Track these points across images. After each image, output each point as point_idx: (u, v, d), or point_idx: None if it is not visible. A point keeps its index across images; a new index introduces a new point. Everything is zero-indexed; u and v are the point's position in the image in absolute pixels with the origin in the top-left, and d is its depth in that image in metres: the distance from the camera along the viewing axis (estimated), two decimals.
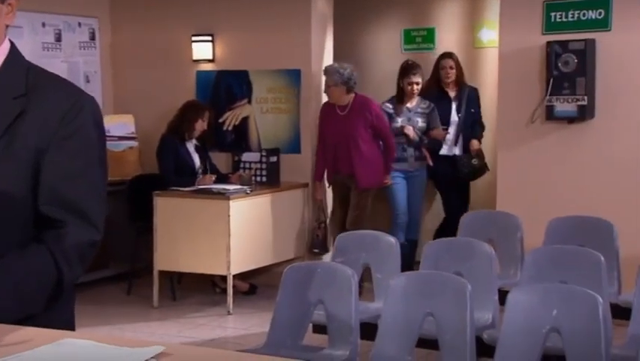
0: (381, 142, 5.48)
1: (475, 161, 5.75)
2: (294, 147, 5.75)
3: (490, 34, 6.24)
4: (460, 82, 5.82)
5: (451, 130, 5.75)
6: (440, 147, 5.75)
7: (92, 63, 6.26)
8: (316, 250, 5.63)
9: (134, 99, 6.32)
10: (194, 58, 6.05)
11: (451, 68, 5.78)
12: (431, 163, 5.68)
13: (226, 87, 6.02)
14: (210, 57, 6.03)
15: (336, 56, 6.00)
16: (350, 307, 3.01)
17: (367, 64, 6.73)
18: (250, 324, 4.89)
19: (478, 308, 3.15)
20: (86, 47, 6.21)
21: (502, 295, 3.23)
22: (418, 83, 5.57)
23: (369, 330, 3.14)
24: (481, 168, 5.81)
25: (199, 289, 5.60)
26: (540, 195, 4.98)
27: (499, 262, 3.88)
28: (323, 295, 3.10)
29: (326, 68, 5.48)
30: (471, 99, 5.83)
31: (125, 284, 5.67)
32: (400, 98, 5.62)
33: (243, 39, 5.95)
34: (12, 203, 1.57)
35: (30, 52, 5.63)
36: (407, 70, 5.61)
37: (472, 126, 5.83)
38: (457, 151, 5.79)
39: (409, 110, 5.62)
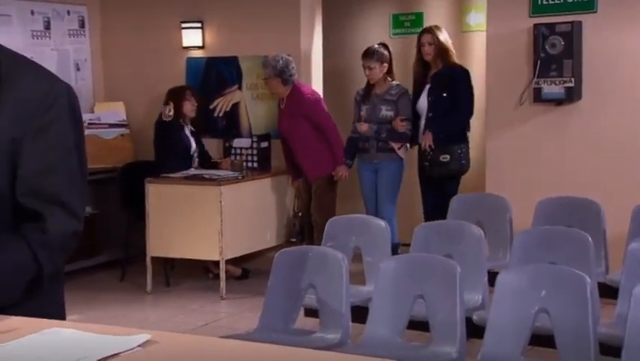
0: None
1: (445, 157, 5.02)
2: None
3: (477, 18, 6.25)
4: (444, 61, 5.09)
5: (422, 117, 5.14)
6: (416, 137, 5.21)
7: (81, 51, 6.25)
8: (294, 240, 5.55)
9: (125, 87, 6.32)
10: (184, 45, 6.05)
11: (430, 43, 5.12)
12: (401, 155, 5.19)
13: (216, 74, 6.02)
14: (200, 44, 6.03)
15: (325, 41, 6.02)
16: (341, 290, 3.05)
17: (356, 49, 6.72)
18: (243, 309, 4.93)
19: (468, 290, 3.20)
20: (75, 34, 6.20)
21: (492, 276, 3.27)
22: (371, 68, 5.15)
23: (360, 313, 3.18)
24: (455, 167, 5.06)
25: (192, 275, 5.63)
26: (528, 177, 5.02)
27: (488, 244, 3.92)
28: (314, 279, 3.13)
29: (263, 59, 5.37)
30: (446, 81, 5.04)
31: (118, 271, 5.70)
32: (369, 84, 5.28)
33: (232, 25, 5.94)
34: None
35: (19, 40, 5.63)
36: (363, 54, 5.25)
37: (445, 115, 5.03)
38: (431, 143, 5.06)
39: (377, 96, 5.23)
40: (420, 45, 5.17)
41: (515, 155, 5.09)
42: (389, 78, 5.23)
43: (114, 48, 6.37)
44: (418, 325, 3.04)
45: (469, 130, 5.19)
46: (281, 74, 5.24)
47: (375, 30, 6.67)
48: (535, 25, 4.86)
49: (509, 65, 5.04)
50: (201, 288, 5.42)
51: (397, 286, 3.00)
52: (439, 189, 5.05)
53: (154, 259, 5.32)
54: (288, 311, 3.15)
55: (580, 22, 4.82)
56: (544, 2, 4.92)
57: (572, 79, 4.80)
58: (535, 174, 5.02)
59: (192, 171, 5.43)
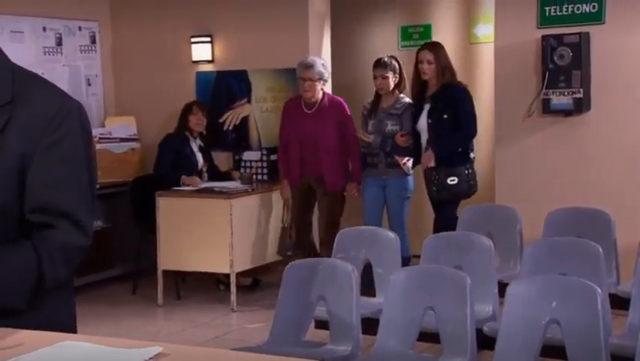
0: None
1: (452, 180, 4.77)
2: None
3: (485, 30, 6.27)
4: (444, 80, 4.82)
5: (423, 137, 4.90)
6: (418, 157, 4.97)
7: (93, 67, 6.31)
8: (289, 253, 5.25)
9: (136, 101, 6.37)
10: (194, 59, 6.10)
11: (429, 62, 4.82)
12: (409, 172, 5.03)
13: (226, 87, 6.06)
14: (209, 58, 6.08)
15: (334, 54, 6.04)
16: (351, 302, 3.05)
17: (365, 61, 6.75)
18: (254, 321, 4.93)
19: (479, 301, 3.19)
20: (86, 50, 6.26)
21: (502, 287, 3.26)
22: (384, 77, 4.98)
23: (370, 325, 3.18)
24: (463, 189, 4.81)
25: (203, 288, 5.64)
26: (538, 188, 5.02)
27: (498, 255, 3.92)
28: (324, 291, 3.14)
29: (307, 61, 5.09)
30: (446, 102, 4.77)
31: (129, 284, 5.72)
32: (377, 98, 5.12)
33: (241, 39, 5.99)
34: (2, 210, 1.58)
35: (31, 56, 5.69)
36: (376, 64, 5.09)
37: (447, 135, 4.77)
38: (432, 163, 4.83)
39: (383, 110, 5.06)
40: (417, 62, 4.89)
41: (525, 166, 5.09)
42: (397, 91, 5.11)
43: (125, 63, 6.43)
44: (429, 336, 3.04)
45: (472, 151, 4.92)
46: (323, 77, 5.11)
47: (383, 42, 6.70)
48: (544, 37, 4.88)
49: (518, 77, 5.05)
50: (212, 301, 5.43)
51: (407, 298, 3.00)
52: (443, 210, 4.86)
53: (165, 272, 5.34)
54: (298, 323, 3.15)
55: (588, 34, 4.83)
56: (552, 14, 4.93)
57: (581, 90, 4.81)
58: (544, 184, 5.02)
59: (202, 185, 5.45)
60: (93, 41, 6.32)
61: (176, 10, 6.18)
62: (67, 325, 1.70)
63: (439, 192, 4.83)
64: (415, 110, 4.96)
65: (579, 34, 4.80)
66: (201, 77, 6.13)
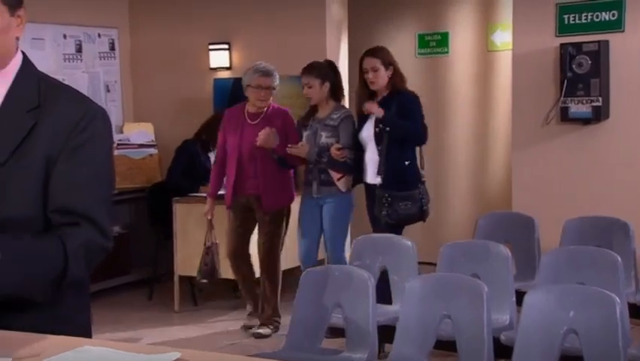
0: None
1: (405, 204, 4.30)
2: None
3: (503, 37, 6.25)
4: (392, 87, 4.41)
5: (369, 150, 4.43)
6: (360, 173, 4.49)
7: (112, 73, 6.37)
8: (204, 280, 4.91)
9: (153, 107, 6.41)
10: (212, 66, 6.14)
11: (374, 69, 4.38)
12: (341, 188, 4.50)
13: (243, 94, 6.07)
14: (227, 65, 6.11)
15: (351, 61, 6.05)
16: (367, 310, 3.04)
17: None
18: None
19: (496, 310, 3.17)
20: (105, 57, 6.32)
21: (519, 296, 3.25)
22: (310, 86, 4.51)
23: (387, 333, 3.17)
24: (416, 212, 4.36)
25: (219, 294, 5.66)
26: (556, 196, 4.99)
27: (515, 264, 3.90)
28: (340, 298, 3.13)
29: (267, 67, 4.66)
30: (395, 109, 4.33)
31: (146, 290, 5.74)
32: (312, 107, 4.63)
33: (258, 46, 6.01)
34: (29, 213, 1.61)
35: (52, 63, 5.76)
36: (302, 70, 4.60)
37: (395, 147, 4.31)
38: (378, 180, 4.36)
39: (318, 121, 4.56)
40: (362, 72, 4.44)
41: (542, 174, 5.07)
42: (333, 100, 4.58)
43: (143, 70, 6.48)
44: (445, 345, 3.02)
45: (422, 169, 4.47)
46: (277, 86, 4.67)
47: (400, 50, 6.68)
48: (562, 45, 4.86)
49: (535, 84, 5.03)
50: (228, 307, 5.44)
51: (424, 306, 2.99)
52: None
53: (181, 278, 5.36)
54: (314, 330, 3.15)
55: (607, 42, 4.81)
56: (571, 22, 4.92)
57: (600, 98, 4.78)
58: (562, 193, 4.99)
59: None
60: (112, 48, 6.38)
61: (194, 17, 6.23)
62: (84, 327, 1.72)
63: (390, 215, 4.32)
64: (360, 120, 4.49)
65: (598, 42, 4.78)
66: (219, 83, 6.16)
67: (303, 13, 5.82)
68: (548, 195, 5.02)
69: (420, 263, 3.80)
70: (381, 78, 4.39)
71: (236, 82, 6.16)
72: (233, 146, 4.63)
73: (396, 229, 4.30)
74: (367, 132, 4.42)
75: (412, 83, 6.90)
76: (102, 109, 1.71)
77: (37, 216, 1.62)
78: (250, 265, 4.85)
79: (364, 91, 4.46)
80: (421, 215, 4.42)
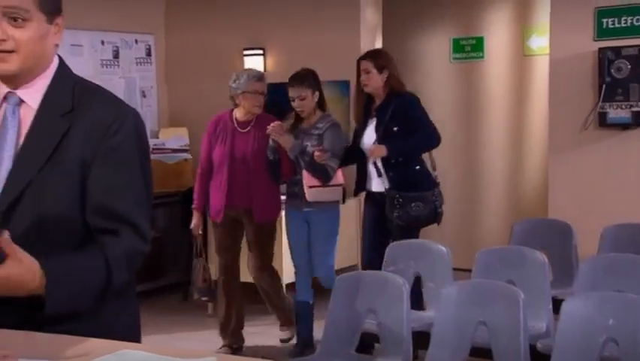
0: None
1: (417, 205, 4.16)
2: None
3: (540, 42, 6.19)
4: (389, 90, 4.26)
5: (370, 158, 4.27)
6: (362, 183, 4.32)
7: (147, 78, 6.45)
8: (205, 298, 4.76)
9: (188, 112, 6.47)
10: None
11: (367, 72, 4.26)
12: (308, 198, 4.27)
13: (277, 99, 6.09)
14: (262, 70, 6.14)
15: None
16: (402, 316, 3.03)
17: (416, 74, 6.74)
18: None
19: (532, 317, 3.14)
20: (142, 62, 6.41)
21: (556, 303, 3.20)
22: (302, 98, 4.28)
23: (421, 339, 3.15)
24: (430, 215, 4.20)
25: (254, 298, 5.67)
26: (593, 203, 4.91)
27: (552, 271, 3.85)
28: (374, 303, 3.12)
29: (259, 72, 4.59)
30: (395, 113, 4.19)
31: (180, 293, 5.78)
32: (297, 118, 4.41)
33: (293, 51, 6.03)
34: (66, 217, 1.63)
35: (90, 69, 5.85)
36: (291, 81, 4.37)
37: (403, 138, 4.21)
38: (385, 185, 4.20)
39: (303, 131, 4.33)
40: (358, 74, 4.34)
41: (579, 180, 5.00)
42: (319, 110, 4.38)
43: (178, 75, 6.54)
44: (481, 352, 2.99)
45: (434, 170, 4.32)
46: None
47: (435, 55, 6.67)
48: (601, 49, 4.79)
49: (573, 89, 4.97)
50: (262, 311, 5.44)
51: (459, 312, 2.97)
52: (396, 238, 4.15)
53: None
54: (348, 336, 3.14)
55: None
56: (610, 26, 4.84)
57: (639, 103, 4.70)
58: (600, 199, 4.91)
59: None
60: (148, 54, 6.46)
61: (229, 23, 6.27)
62: (129, 331, 1.73)
63: (400, 217, 4.17)
64: (360, 127, 4.37)
65: (638, 46, 4.70)
66: None
67: (337, 17, 5.83)
68: (585, 202, 4.95)
69: (454, 269, 3.77)
70: (373, 81, 4.25)
71: (270, 87, 6.20)
72: (222, 156, 4.38)
73: (409, 232, 4.14)
74: (368, 139, 4.28)
75: (446, 88, 6.89)
76: (135, 111, 1.72)
77: (74, 219, 1.64)
78: (239, 285, 4.66)
79: (362, 94, 4.36)
80: (435, 217, 4.25)
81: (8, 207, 1.61)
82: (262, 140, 4.33)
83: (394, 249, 3.89)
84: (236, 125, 4.45)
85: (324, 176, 4.23)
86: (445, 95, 6.60)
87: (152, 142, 6.05)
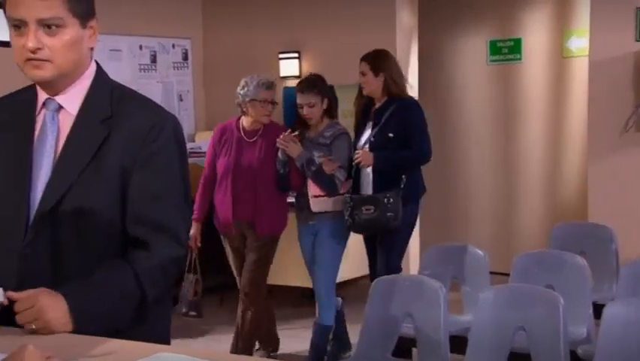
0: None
1: (368, 209, 3.95)
2: None
3: (579, 43, 6.10)
4: (389, 93, 4.10)
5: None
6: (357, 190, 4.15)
7: (184, 82, 6.52)
8: (193, 313, 4.62)
9: (225, 116, 6.44)
10: (282, 74, 6.19)
11: (363, 74, 4.14)
12: (313, 209, 4.16)
13: None
14: (297, 73, 6.16)
15: (421, 68, 6.01)
16: (439, 320, 3.00)
17: (453, 77, 6.70)
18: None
19: (572, 322, 3.08)
20: (179, 67, 6.47)
21: (597, 309, 3.15)
22: (311, 105, 4.11)
23: (458, 343, 3.12)
24: (381, 223, 3.98)
25: (289, 301, 5.68)
26: (634, 206, 4.82)
27: (592, 275, 3.78)
28: (411, 308, 3.10)
29: (269, 79, 4.37)
30: (392, 118, 4.03)
31: (216, 297, 5.81)
32: (303, 125, 4.22)
33: (328, 54, 6.04)
34: (105, 223, 1.64)
35: (128, 73, 5.93)
36: (300, 87, 4.20)
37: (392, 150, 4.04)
38: (369, 190, 4.08)
39: (310, 140, 4.17)
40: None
41: (620, 183, 4.91)
42: (326, 118, 4.21)
43: (215, 79, 6.59)
44: (520, 357, 2.95)
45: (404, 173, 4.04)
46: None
47: (471, 57, 6.61)
48: None
49: (613, 91, 4.88)
50: (297, 314, 5.45)
51: (497, 317, 2.93)
52: (383, 241, 4.11)
53: None
54: (384, 340, 3.12)
55: None
56: None
57: None
58: None
59: (288, 198, 5.49)
60: (185, 58, 6.53)
61: (265, 26, 6.30)
62: (164, 335, 1.75)
63: (354, 224, 4.03)
64: (358, 131, 4.22)
65: None
66: (288, 92, 6.20)
67: (372, 20, 5.82)
68: (626, 205, 4.86)
69: (491, 273, 3.73)
70: (369, 83, 4.12)
71: None
72: (227, 166, 4.19)
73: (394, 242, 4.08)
74: (362, 145, 4.12)
75: (483, 91, 6.83)
76: (173, 117, 1.73)
77: (114, 225, 1.65)
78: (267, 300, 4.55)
79: (361, 96, 4.23)
80: (385, 223, 4.01)
81: (48, 213, 1.63)
82: (269, 150, 4.15)
83: (431, 252, 3.86)
84: (242, 134, 4.27)
85: (330, 187, 4.09)
86: (481, 98, 6.54)
87: (188, 146, 6.09)
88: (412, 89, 4.66)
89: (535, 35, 6.38)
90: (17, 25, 1.62)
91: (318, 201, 4.13)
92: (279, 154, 4.13)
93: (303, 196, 4.19)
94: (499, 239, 6.31)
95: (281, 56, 6.18)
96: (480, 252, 3.78)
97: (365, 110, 4.22)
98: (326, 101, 4.17)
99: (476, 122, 6.57)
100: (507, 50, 6.45)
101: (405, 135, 4.02)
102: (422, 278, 3.30)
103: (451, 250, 3.91)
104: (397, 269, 4.07)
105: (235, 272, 4.48)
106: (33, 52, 1.61)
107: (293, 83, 6.20)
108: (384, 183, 4.03)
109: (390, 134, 4.02)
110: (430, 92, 6.41)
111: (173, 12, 6.41)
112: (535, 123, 6.42)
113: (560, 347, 2.76)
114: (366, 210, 3.96)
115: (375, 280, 3.27)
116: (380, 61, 4.15)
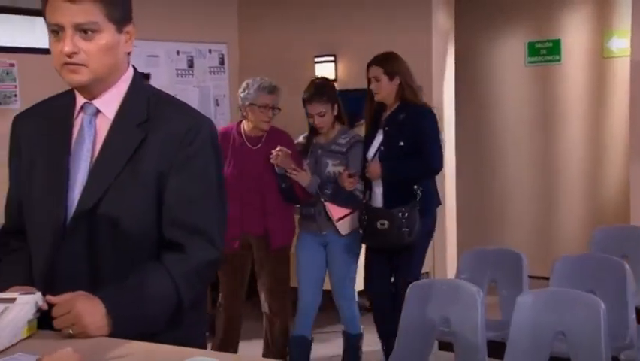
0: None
1: (382, 223, 3.79)
2: None
3: (620, 44, 5.99)
4: (402, 99, 3.93)
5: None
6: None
7: (221, 87, 6.56)
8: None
9: None
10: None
11: (377, 79, 3.96)
12: (342, 232, 3.99)
13: (348, 106, 6.09)
14: (333, 77, 6.15)
15: (457, 70, 5.96)
16: (476, 324, 2.96)
17: (490, 79, 6.63)
18: (374, 341, 4.89)
19: (614, 328, 3.02)
20: (215, 72, 6.52)
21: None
22: (322, 114, 3.97)
23: (496, 348, 3.07)
24: (393, 238, 3.81)
25: (322, 305, 5.65)
26: None
27: (635, 279, 3.70)
28: (448, 312, 3.07)
29: (271, 83, 4.17)
30: (404, 125, 3.86)
31: (247, 302, 5.80)
32: (312, 131, 4.10)
33: (364, 58, 5.97)
34: (140, 227, 1.65)
35: (165, 78, 6.00)
36: (309, 94, 4.04)
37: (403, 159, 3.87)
38: (379, 201, 3.93)
39: (320, 146, 4.02)
40: (368, 81, 4.04)
41: None
42: (337, 123, 4.07)
43: None
44: None
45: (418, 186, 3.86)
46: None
47: (509, 59, 6.54)
48: None
49: None
50: (329, 319, 5.43)
51: (536, 322, 2.89)
52: (393, 260, 3.95)
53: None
54: (421, 344, 3.09)
55: None
56: None
57: None
58: None
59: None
60: (222, 62, 6.58)
61: (300, 30, 6.32)
62: (199, 340, 1.76)
63: (367, 237, 3.89)
64: (368, 139, 4.02)
65: None
66: None
67: (408, 22, 5.78)
68: None
69: (529, 277, 3.68)
70: (383, 89, 3.93)
71: (341, 94, 6.19)
72: (231, 176, 3.87)
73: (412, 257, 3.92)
74: (372, 151, 3.98)
75: (522, 93, 6.75)
76: (209, 121, 1.73)
77: (150, 229, 1.66)
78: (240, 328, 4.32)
79: (371, 102, 4.03)
80: (399, 239, 3.84)
81: (85, 216, 1.65)
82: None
83: (468, 256, 3.82)
84: (245, 140, 4.05)
85: (353, 202, 3.92)
86: (520, 101, 6.46)
87: None
88: (426, 95, 4.44)
89: (574, 36, 6.28)
90: (55, 31, 1.64)
91: (344, 222, 3.96)
92: (276, 168, 3.94)
93: (312, 205, 4.00)
94: (538, 242, 6.22)
95: (317, 59, 6.19)
96: (519, 255, 3.73)
97: (374, 117, 4.04)
98: (336, 106, 4.03)
99: (513, 123, 6.49)
100: (545, 52, 6.37)
101: (416, 144, 3.84)
102: (459, 282, 3.27)
103: (489, 253, 3.86)
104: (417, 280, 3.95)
105: (227, 294, 4.17)
106: (69, 56, 1.63)
107: None
108: (395, 195, 3.87)
109: (401, 143, 3.86)
110: (467, 95, 6.36)
111: (209, 17, 6.46)
112: (575, 124, 6.32)
113: (602, 353, 2.70)
114: (381, 224, 3.80)
115: (411, 285, 3.24)
116: (394, 64, 3.98)
